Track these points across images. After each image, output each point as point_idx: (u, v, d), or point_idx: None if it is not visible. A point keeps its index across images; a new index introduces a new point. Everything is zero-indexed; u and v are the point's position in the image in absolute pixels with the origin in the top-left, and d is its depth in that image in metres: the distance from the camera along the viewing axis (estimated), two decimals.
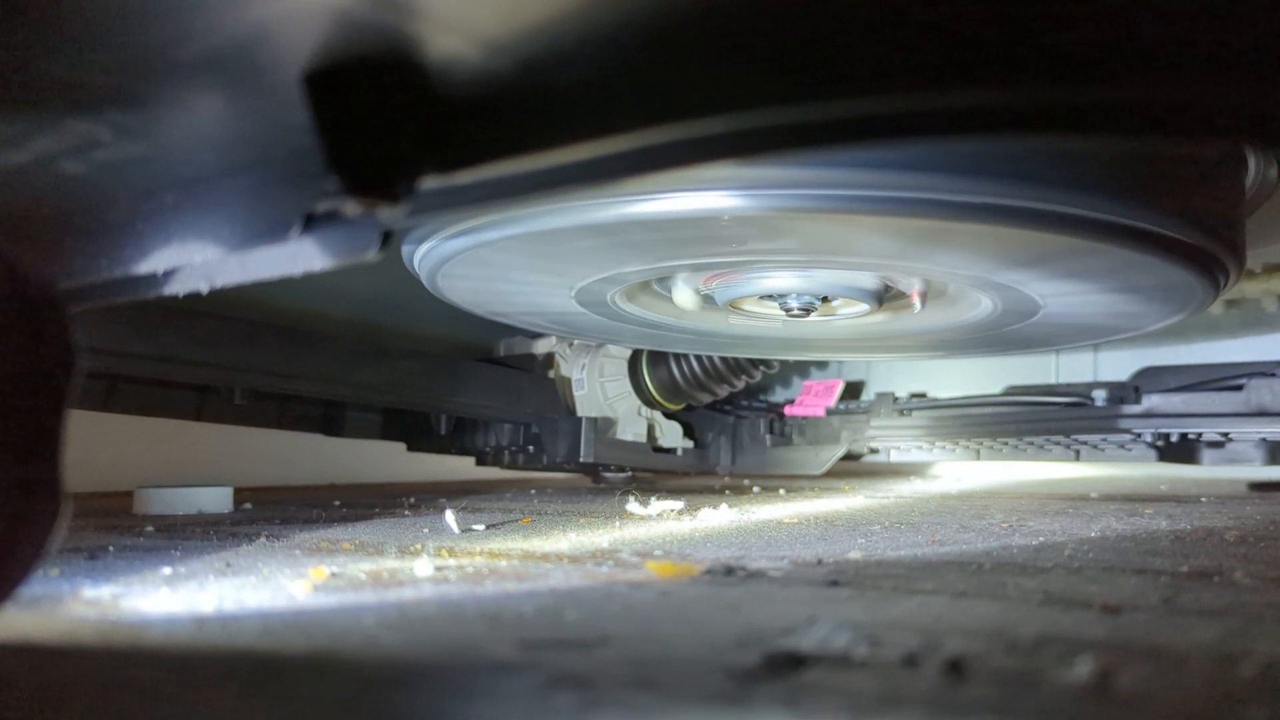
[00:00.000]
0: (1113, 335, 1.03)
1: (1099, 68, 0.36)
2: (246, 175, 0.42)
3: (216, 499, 1.15)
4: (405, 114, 0.38)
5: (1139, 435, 1.37)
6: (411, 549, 0.74)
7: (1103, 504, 1.16)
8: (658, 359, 1.49)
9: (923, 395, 1.59)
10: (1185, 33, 0.35)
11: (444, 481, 1.84)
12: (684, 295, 0.93)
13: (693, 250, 0.78)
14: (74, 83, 0.38)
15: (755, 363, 1.48)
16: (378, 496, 1.40)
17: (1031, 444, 1.48)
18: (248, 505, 1.21)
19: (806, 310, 0.93)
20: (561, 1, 0.34)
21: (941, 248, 0.74)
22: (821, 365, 1.74)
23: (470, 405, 1.41)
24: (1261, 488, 1.44)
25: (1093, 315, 0.93)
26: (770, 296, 0.93)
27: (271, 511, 1.11)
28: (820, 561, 0.65)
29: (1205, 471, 1.52)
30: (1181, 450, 1.37)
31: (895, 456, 1.59)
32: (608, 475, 1.64)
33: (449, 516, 0.92)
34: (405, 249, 0.85)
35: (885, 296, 0.94)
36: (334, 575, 0.60)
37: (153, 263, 0.44)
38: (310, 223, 0.39)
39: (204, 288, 0.44)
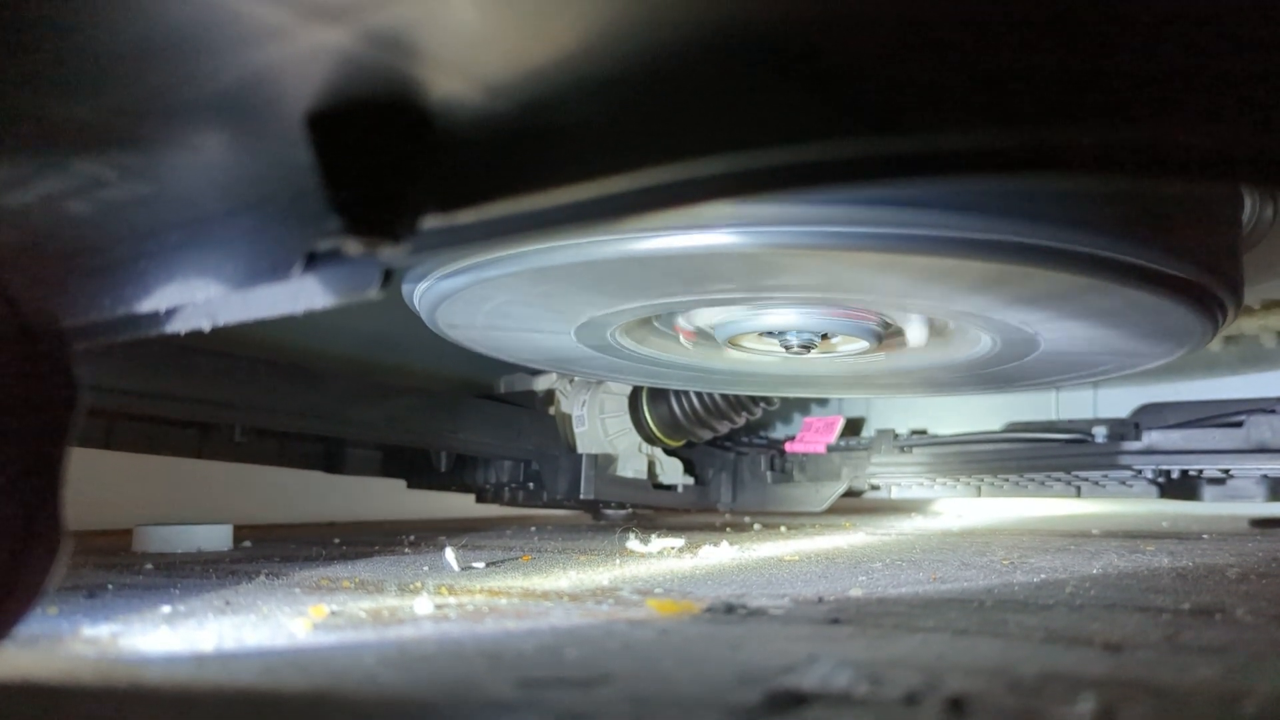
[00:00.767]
0: (1112, 372, 1.03)
1: (1095, 108, 0.36)
2: (249, 214, 0.42)
3: (216, 537, 1.15)
4: (407, 154, 0.38)
5: (1140, 472, 1.37)
6: (411, 587, 0.74)
7: (1104, 541, 1.15)
8: (658, 395, 1.49)
9: (923, 432, 1.59)
10: (1180, 74, 0.35)
11: (444, 519, 1.83)
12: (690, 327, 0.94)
13: (693, 287, 0.78)
14: (80, 124, 0.38)
15: (756, 399, 1.48)
16: (377, 534, 1.39)
17: (1032, 480, 1.48)
18: (247, 543, 1.21)
19: (807, 347, 0.93)
20: (561, 45, 0.34)
21: (941, 285, 0.74)
22: (822, 402, 1.74)
23: (470, 442, 1.41)
24: (1263, 524, 1.44)
25: (1092, 352, 0.93)
26: (770, 333, 0.94)
27: (271, 549, 1.11)
28: (821, 599, 0.65)
29: (1206, 508, 1.51)
30: (1182, 487, 1.37)
31: (896, 493, 1.58)
32: (608, 512, 1.63)
33: (449, 554, 0.91)
34: (405, 287, 0.85)
35: (885, 334, 0.94)
36: (334, 613, 0.60)
37: (156, 301, 0.44)
38: (312, 261, 0.39)
39: (206, 326, 0.44)
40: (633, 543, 1.08)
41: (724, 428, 1.52)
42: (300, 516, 1.79)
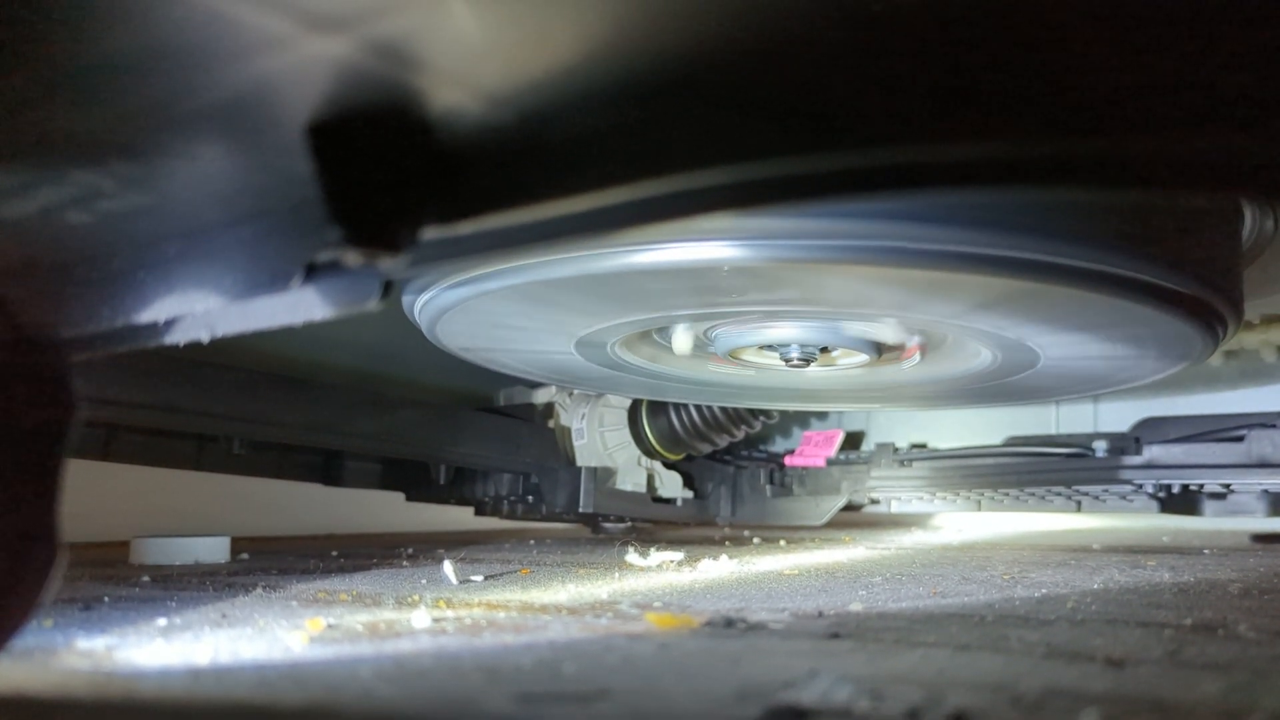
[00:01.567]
0: (1112, 386, 1.03)
1: (1093, 121, 0.36)
2: (249, 225, 0.42)
3: (213, 549, 1.14)
4: (407, 165, 0.38)
5: (1140, 486, 1.36)
6: (409, 600, 0.73)
7: (1105, 555, 1.15)
8: (657, 409, 1.49)
9: (923, 446, 1.58)
10: (1180, 85, 0.35)
11: (442, 532, 1.82)
12: (682, 342, 0.93)
13: (693, 300, 0.78)
14: (79, 134, 0.38)
15: (755, 413, 1.48)
16: (375, 547, 1.39)
17: (1033, 495, 1.47)
18: (245, 555, 1.20)
19: (806, 361, 0.93)
20: (562, 56, 0.34)
21: (941, 299, 0.74)
22: (822, 416, 1.73)
23: (469, 455, 1.40)
24: (1264, 539, 1.43)
25: (1092, 366, 0.93)
26: (770, 346, 0.94)
27: (269, 562, 1.11)
28: (821, 613, 0.65)
29: (1207, 523, 1.51)
30: (1183, 502, 1.36)
31: (896, 507, 1.58)
32: (607, 525, 1.63)
33: (447, 567, 0.91)
34: (405, 299, 0.85)
35: (885, 347, 0.94)
36: (331, 627, 0.60)
37: (154, 312, 0.44)
38: (312, 272, 0.39)
39: (205, 337, 0.44)
40: (632, 556, 1.08)
41: (723, 441, 1.52)
42: (298, 529, 1.78)
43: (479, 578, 0.90)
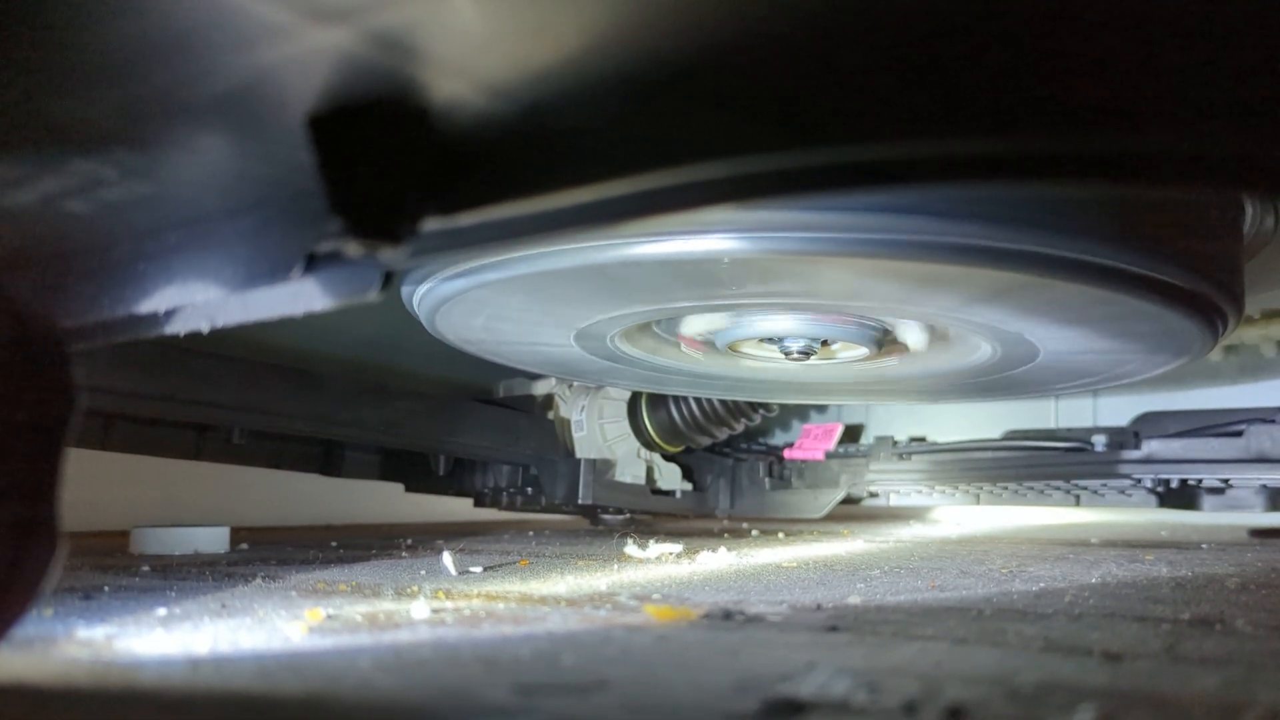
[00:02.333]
0: (1112, 381, 1.03)
1: (1094, 116, 0.36)
2: (249, 216, 0.42)
3: (213, 539, 1.14)
4: (408, 156, 0.38)
5: (1139, 481, 1.36)
6: (408, 591, 0.73)
7: (1103, 550, 1.15)
8: (657, 401, 1.49)
9: (922, 439, 1.58)
10: (1181, 83, 0.35)
11: (441, 523, 1.83)
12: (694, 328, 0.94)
13: (693, 292, 0.78)
14: (80, 124, 0.38)
15: (754, 406, 1.48)
16: (375, 538, 1.39)
17: (1031, 489, 1.48)
18: (244, 545, 1.20)
19: (806, 354, 0.93)
20: (563, 48, 0.34)
21: (941, 292, 0.74)
22: (821, 409, 1.73)
23: (469, 446, 1.41)
24: (1262, 534, 1.44)
25: (1091, 361, 0.93)
26: (770, 339, 0.94)
27: (268, 552, 1.11)
28: (819, 606, 0.65)
29: (1205, 518, 1.51)
30: (1182, 496, 1.37)
31: (895, 500, 1.58)
32: (606, 517, 1.63)
33: (446, 558, 0.91)
34: (405, 289, 0.85)
35: (884, 341, 0.94)
36: (330, 617, 0.60)
37: (154, 302, 0.44)
38: (312, 263, 0.39)
39: (205, 327, 0.44)
40: (631, 548, 1.08)
41: (723, 434, 1.52)
42: (297, 519, 1.79)
43: (478, 569, 0.90)
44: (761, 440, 1.72)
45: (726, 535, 1.41)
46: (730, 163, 0.38)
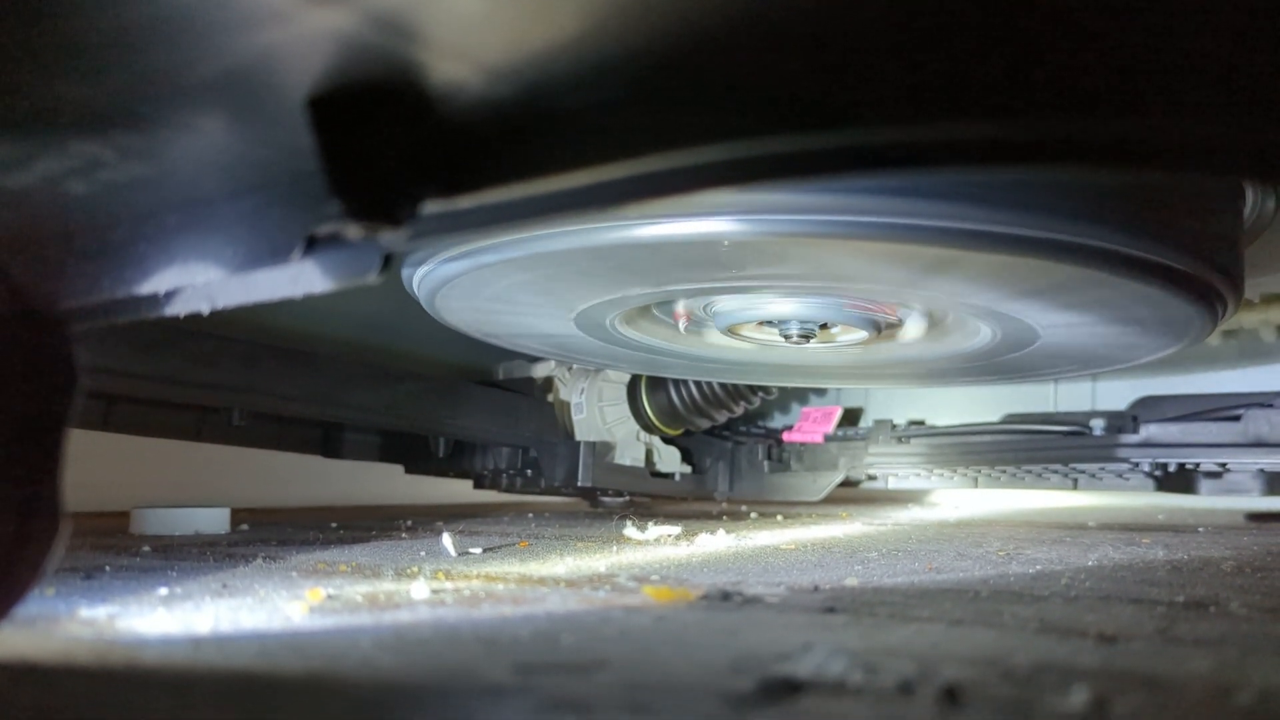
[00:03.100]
0: (1111, 365, 1.03)
1: (1100, 102, 0.36)
2: (249, 197, 0.42)
3: (213, 520, 1.15)
4: (408, 138, 0.38)
5: (1137, 465, 1.37)
6: (408, 571, 0.74)
7: (1100, 533, 1.16)
8: (656, 384, 1.49)
9: (921, 423, 1.59)
10: (1186, 70, 0.35)
11: (441, 504, 1.83)
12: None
13: (692, 275, 0.78)
14: (80, 105, 0.38)
15: (754, 389, 1.48)
16: (375, 519, 1.39)
17: (1029, 472, 1.48)
18: (245, 526, 1.21)
19: (806, 336, 0.93)
20: (563, 30, 0.34)
21: (943, 277, 0.74)
22: (820, 392, 1.74)
23: (469, 428, 1.41)
24: (1259, 518, 1.44)
25: (1091, 345, 0.93)
26: (770, 322, 0.94)
27: (269, 533, 1.11)
28: (817, 588, 0.65)
29: (1203, 502, 1.52)
30: (1179, 480, 1.37)
31: (893, 483, 1.58)
32: (605, 500, 1.64)
33: (446, 539, 0.91)
34: (404, 272, 0.85)
35: (884, 324, 0.94)
36: (330, 597, 0.60)
37: (155, 283, 0.44)
38: (312, 245, 0.39)
39: (205, 309, 0.44)
40: (630, 530, 1.09)
41: (722, 417, 1.52)
42: (298, 500, 1.79)
43: (478, 550, 0.91)
44: (760, 423, 1.73)
45: (725, 517, 1.42)
46: (731, 145, 0.38)
